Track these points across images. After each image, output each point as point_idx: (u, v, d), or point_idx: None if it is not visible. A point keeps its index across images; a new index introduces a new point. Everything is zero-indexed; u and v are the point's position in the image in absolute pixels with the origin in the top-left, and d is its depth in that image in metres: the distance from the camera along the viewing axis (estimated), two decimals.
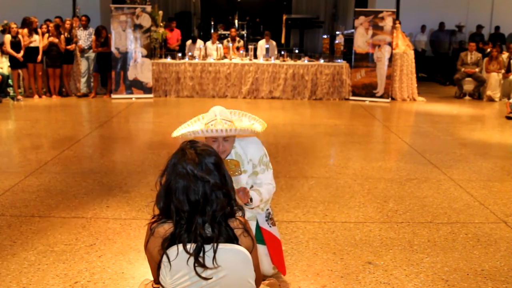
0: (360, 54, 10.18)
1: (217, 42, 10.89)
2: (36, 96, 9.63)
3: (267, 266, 2.71)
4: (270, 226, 2.73)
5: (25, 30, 9.31)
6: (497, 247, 3.34)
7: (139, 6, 10.01)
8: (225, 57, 10.63)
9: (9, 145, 6.10)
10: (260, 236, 2.68)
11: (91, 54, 10.14)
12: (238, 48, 11.13)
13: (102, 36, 9.84)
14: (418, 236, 3.52)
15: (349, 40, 10.87)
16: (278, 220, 3.70)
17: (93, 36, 9.96)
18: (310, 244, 3.36)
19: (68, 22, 9.92)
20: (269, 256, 2.70)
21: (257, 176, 2.62)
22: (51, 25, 9.65)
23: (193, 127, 2.50)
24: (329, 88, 10.30)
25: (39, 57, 9.41)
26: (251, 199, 2.55)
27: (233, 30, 12.07)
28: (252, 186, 2.63)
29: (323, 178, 4.85)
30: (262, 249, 2.67)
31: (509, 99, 10.09)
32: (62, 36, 9.67)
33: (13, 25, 9.26)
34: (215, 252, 1.67)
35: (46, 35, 9.50)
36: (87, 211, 3.88)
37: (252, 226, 2.70)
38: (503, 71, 10.43)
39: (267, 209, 2.75)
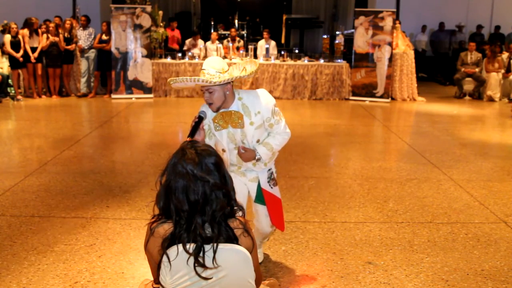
0: (360, 54, 10.18)
1: (217, 42, 10.89)
2: (36, 96, 9.63)
3: (266, 226, 2.85)
4: (271, 187, 2.80)
5: (26, 31, 9.31)
6: (497, 247, 3.34)
7: (139, 6, 10.01)
8: (225, 57, 10.63)
9: (9, 145, 6.09)
10: (261, 197, 2.78)
11: (91, 54, 10.14)
12: (238, 48, 11.13)
13: (104, 31, 9.88)
14: (418, 236, 3.52)
15: (349, 40, 10.86)
16: None
17: (98, 34, 10.00)
18: (310, 244, 3.36)
19: (68, 22, 9.92)
20: (268, 217, 2.81)
21: (272, 128, 2.68)
22: (51, 25, 9.65)
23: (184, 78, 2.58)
24: (329, 88, 10.30)
25: (36, 54, 9.34)
26: (259, 159, 2.64)
27: (233, 30, 12.07)
28: (258, 140, 2.67)
29: (323, 178, 4.85)
30: (262, 210, 2.80)
31: (509, 99, 10.11)
32: (61, 36, 9.66)
33: (13, 25, 9.25)
34: (215, 252, 1.67)
35: (45, 35, 9.49)
36: (87, 211, 3.88)
37: (254, 187, 2.78)
38: (503, 71, 10.43)
39: (269, 169, 2.80)
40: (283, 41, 14.63)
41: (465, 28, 13.66)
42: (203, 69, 2.48)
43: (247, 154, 2.63)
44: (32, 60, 9.32)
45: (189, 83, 2.47)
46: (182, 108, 9.28)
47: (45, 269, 2.96)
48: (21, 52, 9.23)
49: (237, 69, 2.69)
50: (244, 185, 2.78)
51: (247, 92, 2.64)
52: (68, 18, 10.23)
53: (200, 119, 2.50)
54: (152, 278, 1.93)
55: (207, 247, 1.68)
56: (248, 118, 2.59)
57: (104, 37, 9.93)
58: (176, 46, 11.53)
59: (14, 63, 9.28)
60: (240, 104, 2.59)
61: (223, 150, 2.69)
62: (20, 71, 9.49)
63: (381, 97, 10.05)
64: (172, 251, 1.68)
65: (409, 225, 3.72)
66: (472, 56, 10.68)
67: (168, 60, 10.28)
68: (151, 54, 10.11)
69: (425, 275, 2.95)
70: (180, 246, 1.67)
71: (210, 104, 2.54)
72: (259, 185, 2.77)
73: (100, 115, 8.49)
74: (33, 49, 9.38)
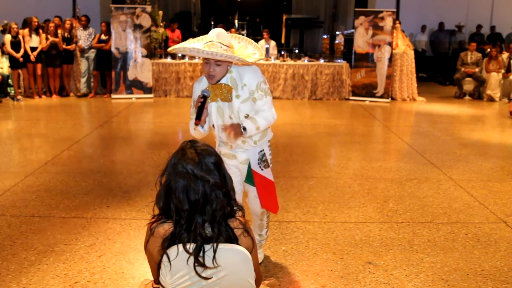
0: (360, 54, 10.18)
1: None
2: (36, 96, 9.63)
3: (255, 206, 2.87)
4: (262, 169, 2.77)
5: (26, 30, 9.31)
6: (497, 247, 3.34)
7: (139, 6, 10.01)
8: None
9: (9, 145, 6.09)
10: (251, 178, 2.76)
11: (91, 54, 10.14)
12: None
13: (103, 31, 9.88)
14: (418, 236, 3.52)
15: (349, 40, 10.87)
16: (278, 220, 3.70)
17: (97, 34, 10.02)
18: (310, 244, 3.36)
19: (68, 22, 9.92)
20: (258, 198, 2.81)
21: (255, 103, 2.65)
22: (51, 25, 9.64)
23: (191, 44, 2.55)
24: (329, 88, 10.30)
25: (35, 53, 9.32)
26: (244, 128, 2.58)
27: (233, 30, 12.06)
28: (247, 115, 2.64)
29: (323, 178, 4.85)
30: (252, 191, 2.81)
31: (509, 99, 10.11)
32: (60, 36, 9.65)
33: (14, 25, 9.25)
34: (215, 252, 1.67)
35: (44, 35, 9.48)
36: (87, 211, 3.88)
37: (245, 169, 2.77)
38: (503, 71, 10.43)
39: (260, 151, 2.77)
40: (283, 41, 14.62)
41: (465, 28, 13.66)
42: (211, 41, 2.44)
43: (234, 127, 2.57)
44: (32, 59, 9.31)
45: (203, 55, 2.44)
46: (182, 108, 9.27)
47: (45, 269, 2.96)
48: (21, 52, 9.23)
49: (236, 41, 2.70)
50: (236, 169, 2.77)
51: (238, 66, 2.63)
52: (68, 18, 10.23)
53: (204, 98, 2.49)
54: (152, 278, 1.93)
55: (207, 247, 1.68)
56: (235, 91, 2.59)
57: (103, 37, 9.93)
58: None
59: (14, 63, 9.28)
60: (229, 77, 2.60)
61: (213, 126, 2.69)
62: (20, 71, 9.49)
63: (381, 97, 10.05)
64: (172, 251, 1.68)
65: (409, 225, 3.72)
66: (472, 56, 10.68)
67: (168, 60, 10.28)
68: (151, 54, 10.11)
69: (425, 275, 2.95)
70: (180, 246, 1.67)
71: (211, 77, 2.53)
72: (249, 168, 2.76)
73: (100, 115, 8.49)
74: (33, 49, 9.37)
